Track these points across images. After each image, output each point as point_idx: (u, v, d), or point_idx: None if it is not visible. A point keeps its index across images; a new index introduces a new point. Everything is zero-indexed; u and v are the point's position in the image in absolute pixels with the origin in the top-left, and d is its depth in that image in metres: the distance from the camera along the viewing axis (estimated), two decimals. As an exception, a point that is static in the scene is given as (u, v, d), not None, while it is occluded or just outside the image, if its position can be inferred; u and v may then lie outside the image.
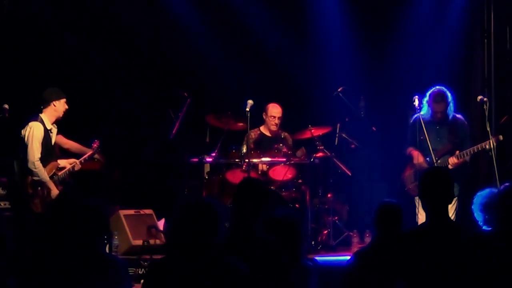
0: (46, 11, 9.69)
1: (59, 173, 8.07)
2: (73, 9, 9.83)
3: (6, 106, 7.99)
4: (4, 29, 9.34)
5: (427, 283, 4.39)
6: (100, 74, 10.04)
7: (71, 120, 8.27)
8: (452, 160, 8.15)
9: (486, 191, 5.94)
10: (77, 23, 9.84)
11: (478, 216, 5.93)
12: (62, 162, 8.17)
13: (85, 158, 8.33)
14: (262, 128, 9.50)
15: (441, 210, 4.56)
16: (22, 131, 7.88)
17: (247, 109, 8.78)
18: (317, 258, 7.84)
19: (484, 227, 5.76)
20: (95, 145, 8.40)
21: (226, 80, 10.42)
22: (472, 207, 6.01)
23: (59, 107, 7.99)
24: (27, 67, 9.52)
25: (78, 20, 9.86)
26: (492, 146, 8.03)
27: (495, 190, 5.85)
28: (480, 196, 5.94)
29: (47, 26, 9.74)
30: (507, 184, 4.80)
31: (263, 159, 9.04)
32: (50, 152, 8.01)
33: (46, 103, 7.98)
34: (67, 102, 8.03)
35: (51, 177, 7.96)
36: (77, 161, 8.25)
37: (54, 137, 8.09)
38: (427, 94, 8.27)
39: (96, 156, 8.39)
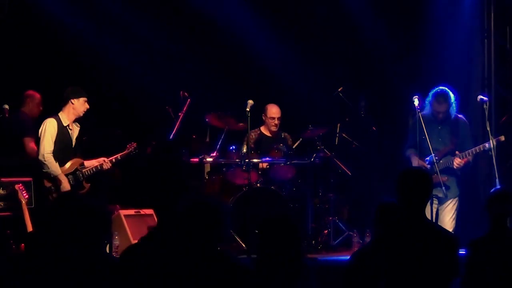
0: (46, 10, 9.70)
1: (84, 170, 8.11)
2: (73, 9, 9.85)
3: (6, 106, 8.02)
4: (4, 28, 9.33)
5: (403, 282, 4.48)
6: (100, 74, 10.04)
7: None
8: (457, 161, 8.15)
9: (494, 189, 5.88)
10: (76, 22, 9.84)
11: None
12: (89, 163, 8.18)
13: (116, 157, 8.36)
14: (262, 128, 9.50)
15: (418, 209, 4.63)
16: (39, 128, 7.97)
17: (247, 109, 8.78)
18: (317, 258, 7.85)
19: None
20: (131, 147, 8.43)
21: (226, 80, 10.42)
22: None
23: (77, 105, 8.04)
24: (27, 67, 9.52)
25: (77, 19, 9.87)
26: (492, 146, 8.04)
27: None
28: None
29: (47, 25, 9.75)
30: (495, 188, 4.83)
31: (263, 159, 9.04)
32: (68, 149, 8.06)
33: (64, 101, 8.06)
34: (88, 102, 8.07)
35: (73, 173, 8.00)
36: (107, 159, 8.27)
37: (74, 135, 8.11)
38: (430, 94, 8.26)
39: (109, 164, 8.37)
